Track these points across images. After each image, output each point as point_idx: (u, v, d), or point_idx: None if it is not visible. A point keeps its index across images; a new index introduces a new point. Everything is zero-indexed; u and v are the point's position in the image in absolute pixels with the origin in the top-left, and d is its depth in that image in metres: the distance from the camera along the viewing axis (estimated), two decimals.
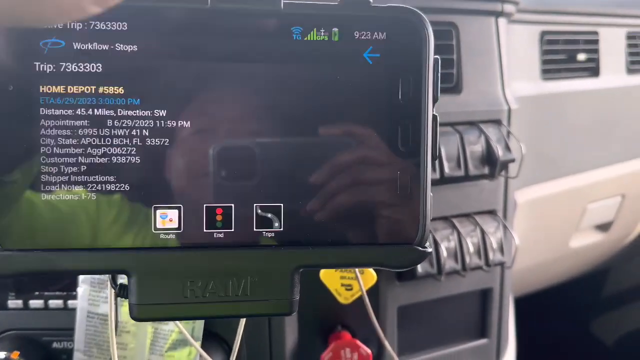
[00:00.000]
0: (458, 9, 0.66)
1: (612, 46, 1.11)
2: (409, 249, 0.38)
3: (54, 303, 0.64)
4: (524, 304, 1.28)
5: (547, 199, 1.04)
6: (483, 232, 0.68)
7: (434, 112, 0.38)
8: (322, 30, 0.37)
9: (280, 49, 0.36)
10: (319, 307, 0.67)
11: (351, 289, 0.61)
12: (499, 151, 0.67)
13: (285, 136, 0.37)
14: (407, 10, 0.38)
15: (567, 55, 1.03)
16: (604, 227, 1.27)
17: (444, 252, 0.66)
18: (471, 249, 0.67)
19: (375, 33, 0.37)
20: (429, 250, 0.38)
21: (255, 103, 0.37)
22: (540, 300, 1.41)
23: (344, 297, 0.62)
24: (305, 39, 0.37)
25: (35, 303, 0.64)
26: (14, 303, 0.64)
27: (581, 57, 1.03)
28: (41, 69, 0.34)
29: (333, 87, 0.37)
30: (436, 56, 0.38)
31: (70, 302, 0.63)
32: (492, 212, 0.72)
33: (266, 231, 0.37)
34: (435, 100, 0.39)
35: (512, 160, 0.69)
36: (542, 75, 0.98)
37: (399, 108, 0.38)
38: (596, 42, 1.07)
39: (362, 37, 0.37)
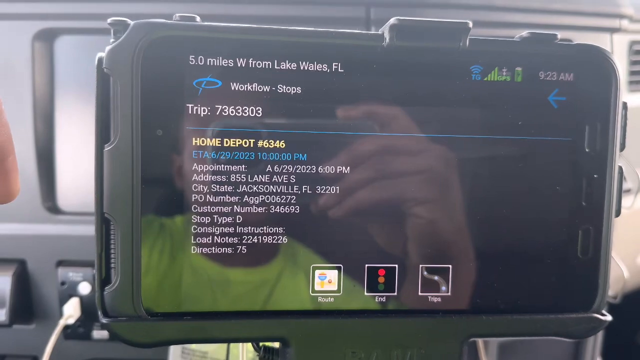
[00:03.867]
0: (575, 25, 0.61)
1: None
2: (587, 317, 0.34)
3: None
4: None
5: (629, 214, 0.98)
6: None
7: (619, 164, 0.34)
8: (504, 70, 0.32)
9: (456, 91, 0.32)
10: None
11: None
12: None
13: (457, 190, 0.33)
14: (596, 49, 0.33)
15: None
16: None
17: None
18: None
19: (562, 74, 0.33)
20: (609, 318, 0.34)
21: (428, 153, 0.32)
22: None
23: None
24: (485, 79, 0.32)
25: None
26: (98, 334, 0.61)
27: None
28: (194, 112, 0.30)
29: (514, 135, 0.33)
30: (624, 100, 0.34)
31: None
32: None
33: (432, 295, 0.33)
34: (621, 149, 0.34)
35: (628, 191, 0.64)
36: (629, 87, 0.92)
37: (585, 158, 0.33)
38: None
39: (548, 78, 0.33)
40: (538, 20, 0.58)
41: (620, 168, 0.34)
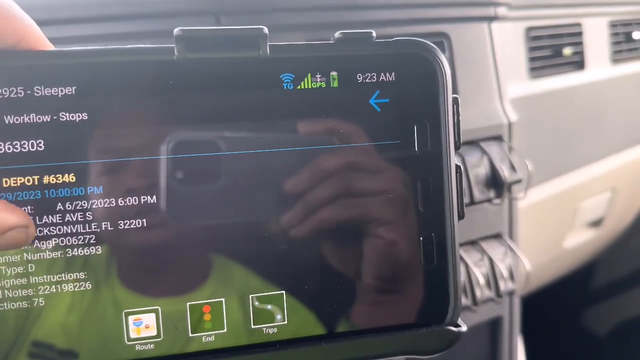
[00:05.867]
0: (449, 17, 0.59)
1: (596, 37, 1.06)
2: (439, 331, 0.31)
3: None
4: None
5: (540, 203, 0.99)
6: (491, 261, 0.63)
7: (457, 162, 0.32)
8: (318, 76, 0.30)
9: (268, 103, 0.29)
10: None
11: None
12: (505, 172, 0.61)
13: (283, 212, 0.30)
14: (416, 44, 0.31)
15: (552, 51, 0.97)
16: (595, 224, 1.23)
17: None
18: (481, 280, 0.61)
19: (382, 74, 0.31)
20: (464, 328, 0.32)
21: (242, 174, 0.29)
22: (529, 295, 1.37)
23: None
24: (298, 87, 0.30)
25: None
26: None
27: (567, 51, 0.98)
28: None
29: (336, 144, 0.30)
30: (455, 95, 0.32)
31: None
32: (498, 236, 0.66)
33: (267, 327, 0.30)
34: (457, 147, 0.32)
35: (519, 181, 0.63)
36: (530, 74, 0.93)
37: (416, 161, 0.31)
38: (580, 34, 1.02)
39: (367, 81, 0.30)
40: (406, 15, 0.57)
41: (458, 167, 0.32)
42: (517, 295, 0.71)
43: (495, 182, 0.62)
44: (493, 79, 0.67)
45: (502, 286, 0.63)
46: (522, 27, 0.92)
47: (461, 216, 0.32)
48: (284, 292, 0.30)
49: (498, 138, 0.65)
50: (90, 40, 0.45)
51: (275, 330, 0.30)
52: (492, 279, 0.63)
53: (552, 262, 1.17)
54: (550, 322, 1.64)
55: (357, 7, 0.54)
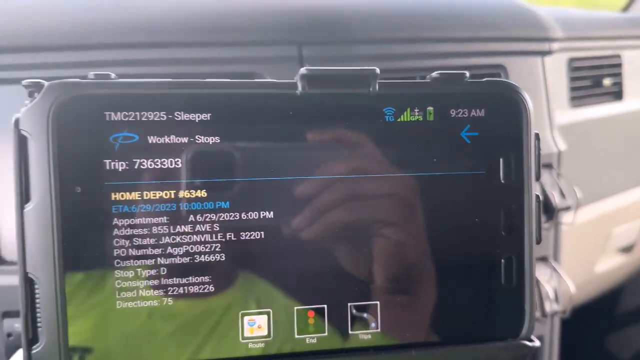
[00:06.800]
0: (507, 51, 0.63)
1: (635, 69, 1.09)
2: (515, 344, 0.35)
3: None
4: None
5: (576, 228, 1.01)
6: (538, 282, 0.66)
7: (536, 192, 0.35)
8: (416, 110, 0.34)
9: (372, 132, 0.33)
10: None
11: None
12: (555, 198, 0.64)
13: (381, 227, 0.34)
14: (504, 84, 0.34)
15: (593, 81, 1.00)
16: (627, 249, 1.25)
17: None
18: None
19: (473, 110, 0.34)
20: (537, 344, 0.35)
21: (350, 192, 0.33)
22: None
23: None
24: (399, 120, 0.33)
25: None
26: None
27: (607, 82, 1.01)
28: (112, 167, 0.30)
29: (430, 172, 0.34)
30: (536, 131, 0.35)
31: None
32: (544, 259, 0.69)
33: (362, 333, 0.34)
34: (537, 178, 0.35)
35: (569, 208, 0.66)
36: (571, 103, 0.96)
37: (501, 190, 0.34)
38: (619, 65, 1.05)
39: (459, 115, 0.34)
40: (469, 48, 0.60)
41: (538, 197, 0.35)
42: (559, 316, 0.73)
43: (547, 208, 0.65)
44: (545, 109, 0.70)
45: (548, 307, 0.66)
46: (565, 58, 0.95)
47: (538, 241, 0.35)
48: (378, 302, 0.34)
49: (548, 166, 0.68)
50: (181, 63, 0.49)
51: (370, 337, 0.34)
52: (539, 299, 0.66)
53: (583, 286, 1.19)
54: (574, 345, 1.64)
55: (422, 40, 0.58)
